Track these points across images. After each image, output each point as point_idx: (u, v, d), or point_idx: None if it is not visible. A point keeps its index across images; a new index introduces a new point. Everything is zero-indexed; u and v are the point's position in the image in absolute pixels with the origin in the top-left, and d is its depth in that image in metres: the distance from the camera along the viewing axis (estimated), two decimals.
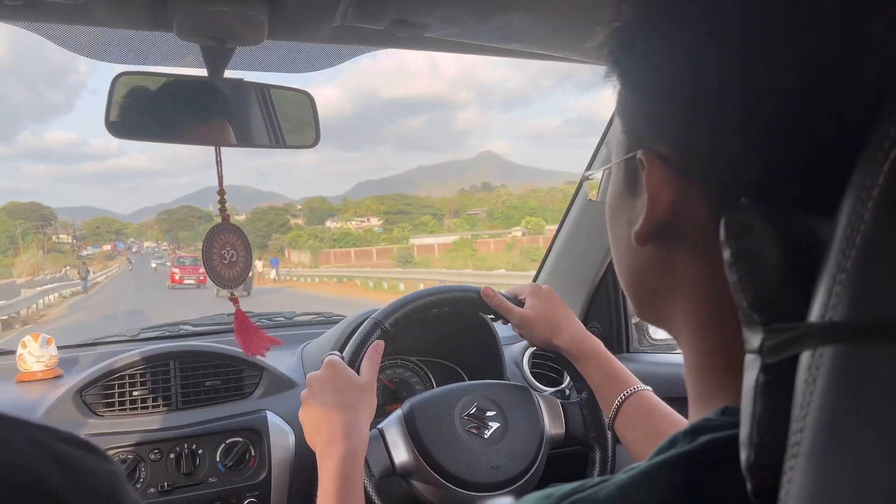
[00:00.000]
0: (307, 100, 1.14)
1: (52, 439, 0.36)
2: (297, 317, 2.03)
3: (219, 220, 1.12)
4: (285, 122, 1.14)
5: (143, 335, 1.84)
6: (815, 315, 0.33)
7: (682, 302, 0.50)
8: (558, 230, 1.84)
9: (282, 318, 2.00)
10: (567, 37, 1.06)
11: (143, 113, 1.02)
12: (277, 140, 1.13)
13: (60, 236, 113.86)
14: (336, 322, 2.00)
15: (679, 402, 1.46)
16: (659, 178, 0.47)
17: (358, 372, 1.08)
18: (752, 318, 0.36)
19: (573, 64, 1.22)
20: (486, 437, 1.18)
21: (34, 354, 1.51)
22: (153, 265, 53.12)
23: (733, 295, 0.38)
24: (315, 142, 1.14)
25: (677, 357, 1.71)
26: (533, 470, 1.19)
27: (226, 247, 1.09)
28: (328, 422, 1.01)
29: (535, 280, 1.97)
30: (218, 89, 1.06)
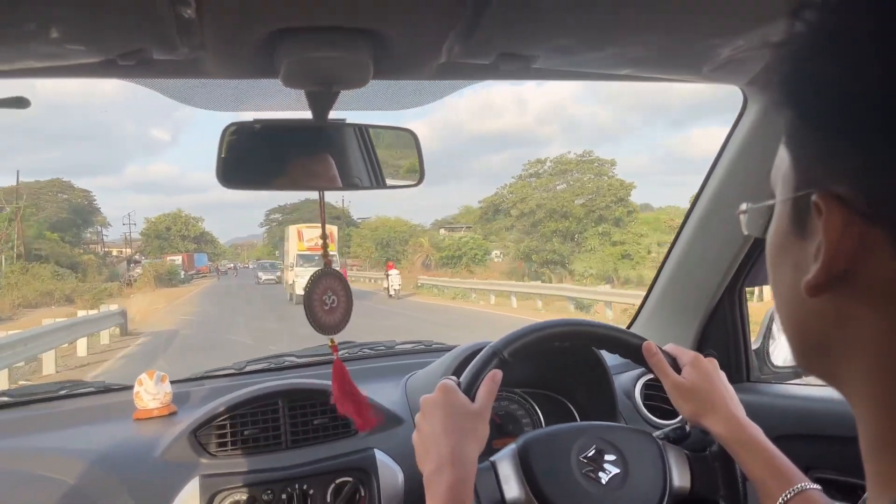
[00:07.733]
0: (411, 138, 1.11)
1: None
2: (398, 345, 2.01)
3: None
4: (388, 162, 1.11)
5: (249, 367, 1.87)
6: None
7: (859, 361, 0.44)
8: (669, 252, 1.75)
9: (382, 348, 1.99)
10: (685, 59, 0.99)
11: (250, 163, 1.02)
12: (380, 181, 1.11)
13: (122, 251, 62.36)
14: (436, 351, 1.97)
15: (803, 441, 1.34)
16: (839, 225, 0.41)
17: (473, 400, 1.04)
18: None
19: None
20: (603, 482, 1.12)
21: (150, 392, 1.55)
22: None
23: None
24: (420, 180, 1.12)
25: (804, 389, 1.58)
26: None
27: (327, 292, 1.08)
28: (436, 446, 0.97)
29: (642, 305, 1.87)
30: (322, 132, 1.05)
